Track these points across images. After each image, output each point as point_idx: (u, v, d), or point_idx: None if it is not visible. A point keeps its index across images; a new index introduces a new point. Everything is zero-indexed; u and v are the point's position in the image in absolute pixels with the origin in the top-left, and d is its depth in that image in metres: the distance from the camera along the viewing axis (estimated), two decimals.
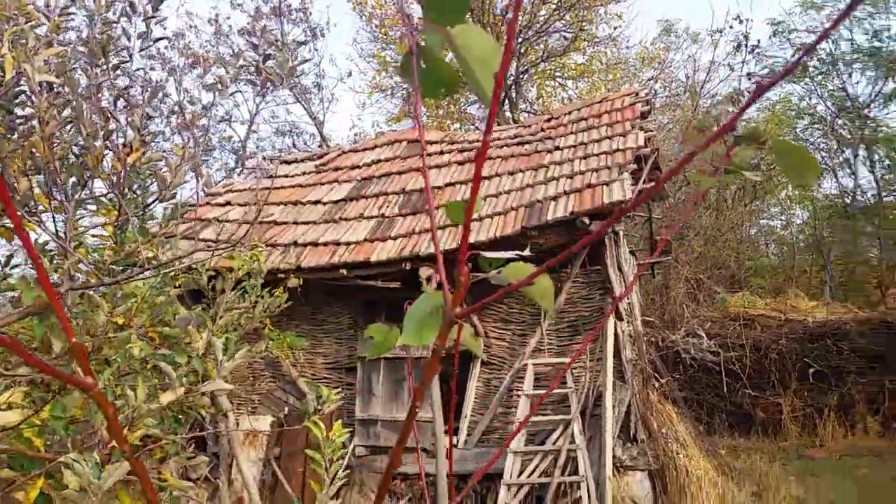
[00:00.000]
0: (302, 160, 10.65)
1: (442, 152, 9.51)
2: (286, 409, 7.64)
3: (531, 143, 9.17)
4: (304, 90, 17.19)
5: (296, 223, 8.61)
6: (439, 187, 8.54)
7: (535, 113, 16.11)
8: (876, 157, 17.04)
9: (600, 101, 10.03)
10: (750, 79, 19.18)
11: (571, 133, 9.11)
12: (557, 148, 8.77)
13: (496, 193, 8.03)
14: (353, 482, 7.39)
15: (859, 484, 7.92)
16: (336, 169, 9.96)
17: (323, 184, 9.55)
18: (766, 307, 12.52)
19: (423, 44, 0.61)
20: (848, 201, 17.31)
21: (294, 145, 18.68)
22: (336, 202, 8.95)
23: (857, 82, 17.58)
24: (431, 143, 9.88)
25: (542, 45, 16.67)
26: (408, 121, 17.11)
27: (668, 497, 7.25)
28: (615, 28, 17.56)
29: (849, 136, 17.51)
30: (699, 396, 10.88)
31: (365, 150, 10.39)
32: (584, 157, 8.32)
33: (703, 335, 11.03)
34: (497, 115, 16.38)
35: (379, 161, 9.76)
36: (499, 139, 9.61)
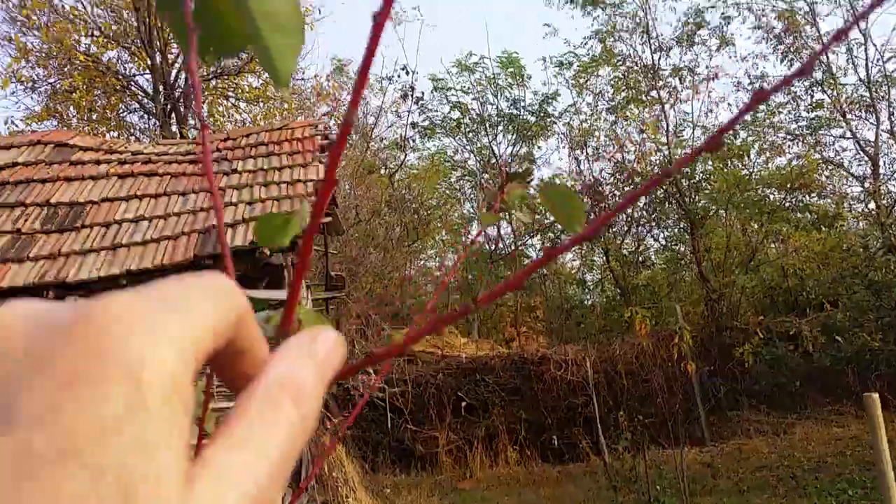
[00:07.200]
0: None
1: (98, 162, 8.10)
2: None
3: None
4: None
5: None
6: (95, 202, 7.21)
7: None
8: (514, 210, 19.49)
9: (280, 129, 9.65)
10: (415, 128, 20.66)
11: (250, 157, 8.54)
12: (235, 171, 8.11)
13: (164, 215, 7.04)
14: None
15: None
16: None
17: None
18: (426, 343, 13.18)
19: None
20: (493, 248, 19.44)
21: None
22: None
23: (500, 143, 19.98)
24: (86, 149, 8.40)
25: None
26: (52, 121, 14.57)
27: None
28: None
29: (494, 191, 19.80)
30: (365, 434, 10.89)
31: None
32: (265, 185, 7.84)
33: (372, 371, 11.12)
34: (164, 129, 14.89)
35: (16, 165, 7.94)
36: (167, 154, 8.58)
